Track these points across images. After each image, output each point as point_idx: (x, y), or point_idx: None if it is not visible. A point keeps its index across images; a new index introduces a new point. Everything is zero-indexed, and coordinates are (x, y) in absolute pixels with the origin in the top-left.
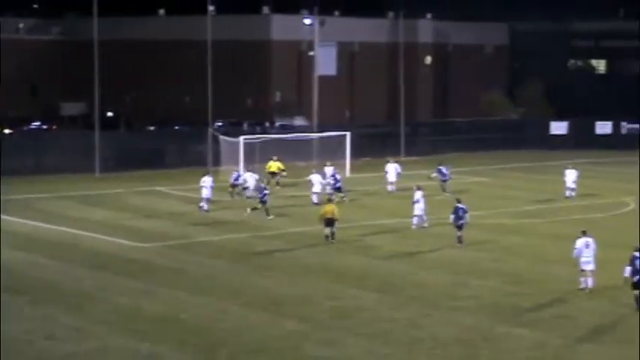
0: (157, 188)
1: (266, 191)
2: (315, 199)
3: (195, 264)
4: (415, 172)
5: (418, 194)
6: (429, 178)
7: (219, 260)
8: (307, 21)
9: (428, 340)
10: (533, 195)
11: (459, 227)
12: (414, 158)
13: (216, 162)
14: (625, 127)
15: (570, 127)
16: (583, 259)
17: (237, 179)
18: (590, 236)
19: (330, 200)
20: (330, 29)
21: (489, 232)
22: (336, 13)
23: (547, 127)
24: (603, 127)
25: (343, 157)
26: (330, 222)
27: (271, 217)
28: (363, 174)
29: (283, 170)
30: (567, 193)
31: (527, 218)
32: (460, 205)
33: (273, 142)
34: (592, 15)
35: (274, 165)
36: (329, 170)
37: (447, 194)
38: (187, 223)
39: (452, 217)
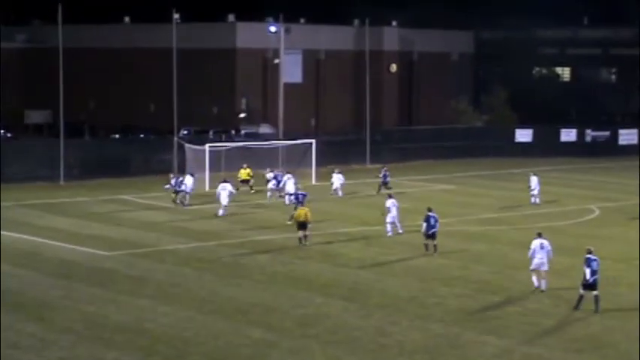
0: (122, 197)
1: (301, 194)
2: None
3: (161, 272)
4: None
5: (389, 202)
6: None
7: (185, 268)
8: (273, 29)
9: (394, 347)
10: (498, 202)
11: (431, 236)
12: (379, 165)
13: (182, 170)
14: (589, 134)
15: (535, 135)
16: (536, 260)
17: (177, 184)
18: (545, 238)
19: (302, 204)
20: (296, 37)
21: (455, 239)
22: (302, 20)
23: (512, 135)
24: (568, 135)
25: (309, 164)
26: (303, 225)
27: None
28: (328, 182)
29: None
30: (532, 199)
31: (492, 225)
32: (431, 214)
33: (239, 150)
34: (557, 23)
35: (244, 172)
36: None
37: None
38: (153, 232)
39: (423, 225)
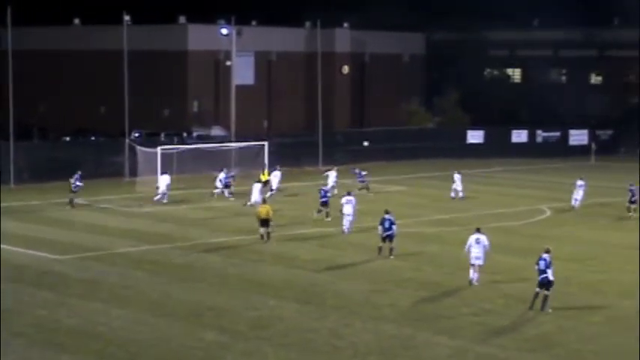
0: (74, 200)
1: (328, 193)
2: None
3: (113, 275)
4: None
5: (344, 199)
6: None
7: (138, 271)
8: (224, 31)
9: (348, 349)
10: (450, 204)
11: (388, 238)
12: (329, 167)
13: (133, 173)
14: (540, 135)
15: (486, 136)
16: (473, 254)
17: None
18: (483, 233)
19: (264, 201)
20: (248, 39)
21: (408, 240)
22: (254, 22)
23: (463, 136)
24: (519, 136)
25: (261, 166)
26: (264, 222)
27: (329, 219)
28: (281, 184)
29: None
30: (452, 194)
31: (445, 227)
32: (387, 217)
33: (191, 152)
34: (507, 24)
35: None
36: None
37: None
38: (105, 235)
39: (379, 228)
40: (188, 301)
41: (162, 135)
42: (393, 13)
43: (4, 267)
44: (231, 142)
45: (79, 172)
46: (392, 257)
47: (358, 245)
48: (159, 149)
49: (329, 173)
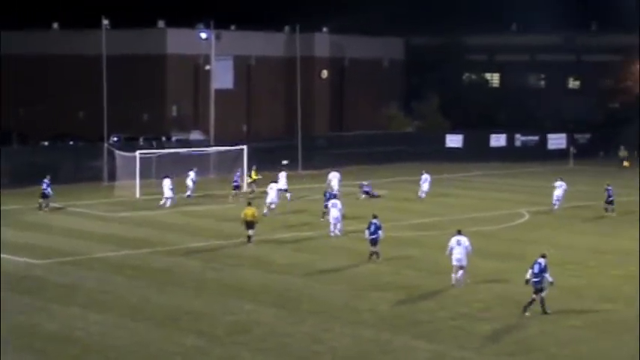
0: (52, 204)
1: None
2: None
3: (92, 280)
4: (312, 185)
5: (330, 203)
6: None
7: (117, 276)
8: (203, 35)
9: (327, 354)
10: (429, 208)
11: (372, 242)
12: (311, 172)
13: (112, 177)
14: (519, 139)
15: (465, 140)
16: (454, 256)
17: (46, 189)
18: (463, 235)
19: (249, 204)
20: (227, 43)
21: (387, 244)
22: (232, 27)
23: (443, 140)
24: (498, 140)
25: (240, 170)
26: (250, 224)
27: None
28: (259, 188)
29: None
30: (420, 194)
31: (424, 231)
32: (374, 221)
33: (170, 156)
34: (486, 29)
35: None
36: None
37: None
38: (83, 239)
39: (366, 232)
40: (167, 305)
41: (141, 139)
42: (373, 18)
43: None
44: (210, 146)
45: (48, 177)
46: (378, 260)
47: (336, 248)
48: (137, 154)
49: (331, 177)
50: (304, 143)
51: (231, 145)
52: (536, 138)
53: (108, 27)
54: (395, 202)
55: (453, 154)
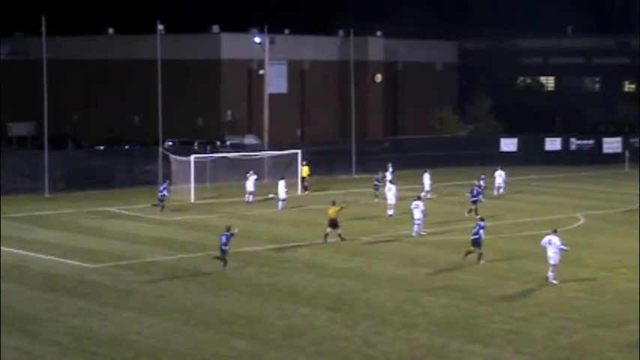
0: (107, 208)
1: (479, 194)
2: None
3: (147, 284)
4: (366, 189)
5: (414, 204)
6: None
7: (171, 280)
8: (257, 39)
9: (380, 357)
10: (483, 212)
11: (475, 243)
12: (365, 176)
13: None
14: (574, 143)
15: (520, 144)
16: (548, 254)
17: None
18: (556, 235)
19: (334, 202)
20: (281, 47)
21: (440, 248)
22: (286, 31)
23: (497, 144)
24: (552, 143)
25: (295, 175)
26: (333, 223)
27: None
28: (314, 192)
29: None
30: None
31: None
32: (480, 223)
33: (224, 160)
34: (540, 32)
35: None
36: None
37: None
38: (137, 243)
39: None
40: (221, 309)
41: (196, 143)
42: (426, 21)
43: (39, 276)
44: (264, 150)
45: (167, 182)
46: (481, 262)
47: (387, 253)
48: (192, 158)
49: (424, 177)
50: (358, 147)
51: (285, 150)
52: (591, 142)
53: (163, 32)
54: (448, 207)
55: (508, 158)
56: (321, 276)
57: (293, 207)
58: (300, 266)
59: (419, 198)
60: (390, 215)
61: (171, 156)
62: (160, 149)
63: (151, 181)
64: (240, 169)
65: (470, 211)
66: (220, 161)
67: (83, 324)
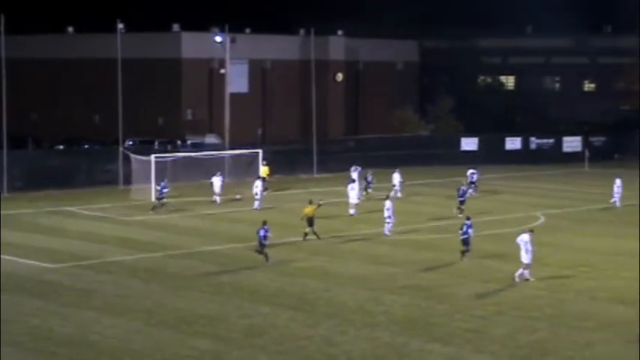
0: (67, 208)
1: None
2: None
3: (107, 284)
4: (328, 188)
5: (387, 203)
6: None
7: (132, 280)
8: (218, 38)
9: (342, 357)
10: (443, 210)
11: (464, 242)
12: (326, 175)
13: (127, 181)
14: (534, 142)
15: (480, 143)
16: (523, 253)
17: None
18: (528, 233)
19: (310, 202)
20: (242, 47)
21: (402, 247)
22: (247, 30)
23: (457, 143)
24: (513, 143)
25: (255, 174)
26: (310, 221)
27: (460, 215)
28: (276, 192)
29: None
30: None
31: (438, 234)
32: (467, 222)
33: (185, 160)
34: (500, 32)
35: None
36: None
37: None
38: (98, 243)
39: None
40: (182, 309)
41: (156, 143)
42: (387, 20)
43: None
44: (225, 150)
45: (165, 180)
46: (464, 261)
47: (350, 252)
48: (153, 157)
49: (394, 176)
50: (319, 147)
51: (246, 149)
52: (551, 141)
53: (123, 31)
54: (409, 206)
55: (468, 157)
56: (283, 275)
57: (251, 207)
58: (262, 265)
59: (387, 197)
60: (352, 214)
61: (132, 155)
62: (121, 149)
63: (112, 181)
64: (201, 169)
65: (459, 209)
66: (181, 161)
67: (43, 324)
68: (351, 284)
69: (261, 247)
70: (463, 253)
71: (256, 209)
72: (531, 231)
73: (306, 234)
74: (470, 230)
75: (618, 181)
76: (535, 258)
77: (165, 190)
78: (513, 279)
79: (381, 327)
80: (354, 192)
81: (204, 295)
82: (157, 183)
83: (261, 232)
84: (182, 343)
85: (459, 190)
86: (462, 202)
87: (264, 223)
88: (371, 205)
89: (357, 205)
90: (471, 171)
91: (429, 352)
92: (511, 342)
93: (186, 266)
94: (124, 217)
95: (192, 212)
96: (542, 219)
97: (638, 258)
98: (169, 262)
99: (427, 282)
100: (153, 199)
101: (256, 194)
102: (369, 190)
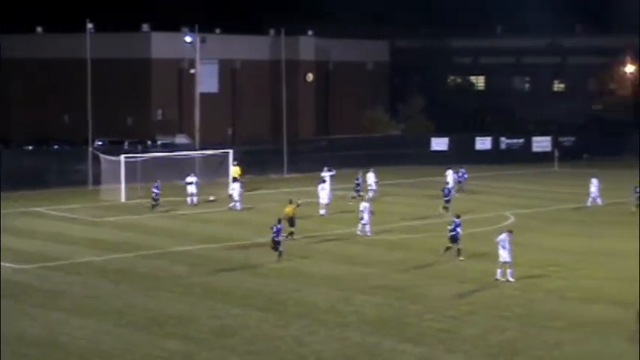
0: (36, 209)
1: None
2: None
3: (77, 285)
4: (298, 189)
5: (363, 204)
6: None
7: (102, 281)
8: (188, 39)
9: (313, 357)
10: (415, 210)
11: (453, 239)
12: (296, 175)
13: (97, 181)
14: (504, 142)
15: (450, 143)
16: (502, 252)
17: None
18: (507, 232)
19: (290, 201)
20: (212, 47)
21: (374, 247)
22: (217, 30)
23: (428, 143)
24: (483, 143)
25: (226, 174)
26: (291, 221)
27: (449, 213)
28: (246, 192)
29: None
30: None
31: (410, 233)
32: (456, 220)
33: (155, 160)
34: (471, 32)
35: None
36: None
37: None
38: (68, 244)
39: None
40: (152, 309)
41: (126, 143)
42: (357, 20)
43: None
44: (195, 150)
45: (159, 182)
46: (461, 258)
47: (323, 253)
48: (122, 158)
49: (368, 175)
50: (289, 147)
51: (217, 149)
52: (521, 141)
53: (92, 31)
54: (380, 206)
55: (439, 157)
56: (255, 275)
57: (225, 208)
58: (233, 266)
59: (362, 198)
60: (322, 215)
61: (101, 155)
62: (90, 149)
63: (82, 181)
64: (171, 169)
65: (444, 208)
66: (151, 161)
67: (12, 326)
68: (322, 284)
69: (275, 244)
70: (447, 248)
71: (237, 210)
72: (510, 231)
73: (290, 233)
74: (458, 228)
75: (595, 181)
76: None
77: (156, 190)
78: (499, 277)
79: (352, 327)
80: (324, 192)
81: (175, 296)
82: (153, 184)
83: (275, 229)
84: (152, 344)
85: (444, 189)
86: (447, 202)
87: (279, 220)
88: (342, 205)
89: (327, 205)
90: (462, 170)
91: (400, 352)
92: (482, 342)
93: (156, 267)
94: (94, 218)
95: (163, 213)
96: (512, 219)
97: (639, 258)
98: (140, 263)
99: (400, 282)
100: (122, 199)
101: (231, 195)
102: (360, 192)
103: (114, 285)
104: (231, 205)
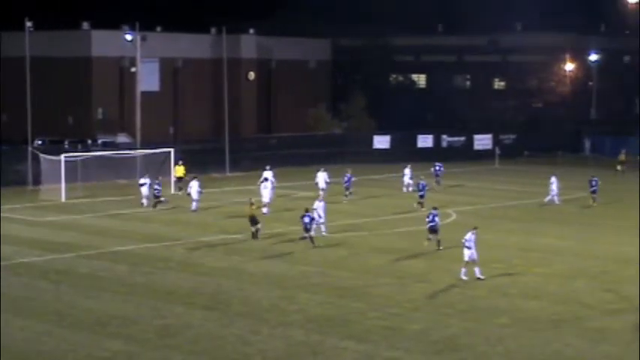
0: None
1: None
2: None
3: (17, 286)
4: (240, 187)
5: (317, 203)
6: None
7: (42, 281)
8: (128, 37)
9: (257, 356)
10: (357, 209)
11: (432, 230)
12: (238, 174)
13: (37, 181)
14: (445, 140)
15: (393, 141)
16: (467, 251)
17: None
18: (472, 231)
19: (252, 203)
20: (153, 45)
21: (316, 246)
22: (158, 28)
23: (370, 141)
24: (425, 141)
25: (167, 173)
26: (253, 220)
27: (423, 208)
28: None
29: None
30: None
31: (352, 231)
32: (434, 212)
33: (96, 159)
34: (412, 31)
35: (180, 169)
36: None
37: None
38: (7, 244)
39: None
40: (94, 310)
41: (66, 142)
42: (299, 19)
43: None
44: (136, 149)
45: (160, 178)
46: (441, 248)
47: (265, 251)
48: (62, 157)
49: (318, 175)
50: (231, 145)
51: (158, 148)
52: (462, 139)
53: (31, 29)
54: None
55: (381, 155)
56: (197, 275)
57: (167, 207)
58: (175, 265)
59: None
60: (265, 214)
61: (41, 155)
62: (30, 148)
63: (21, 181)
64: (113, 168)
65: (419, 204)
66: (91, 160)
67: None
68: (265, 283)
69: (306, 232)
70: (428, 240)
71: (194, 210)
72: (475, 228)
73: (257, 230)
74: (436, 219)
75: (554, 179)
76: (446, 255)
77: (158, 187)
78: (459, 278)
79: (296, 325)
80: (266, 191)
81: (118, 296)
82: (153, 182)
83: (306, 219)
84: (95, 344)
85: (418, 184)
86: (421, 197)
87: (307, 210)
88: (284, 203)
89: (269, 204)
90: (438, 164)
91: (343, 350)
92: (425, 338)
93: (98, 267)
94: (34, 218)
95: (104, 212)
96: (454, 216)
97: (639, 259)
98: (81, 263)
99: (342, 280)
100: (63, 199)
101: (189, 194)
102: (351, 192)
103: (55, 286)
104: (194, 206)
